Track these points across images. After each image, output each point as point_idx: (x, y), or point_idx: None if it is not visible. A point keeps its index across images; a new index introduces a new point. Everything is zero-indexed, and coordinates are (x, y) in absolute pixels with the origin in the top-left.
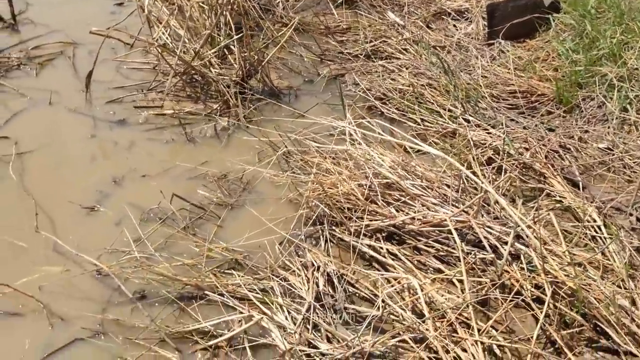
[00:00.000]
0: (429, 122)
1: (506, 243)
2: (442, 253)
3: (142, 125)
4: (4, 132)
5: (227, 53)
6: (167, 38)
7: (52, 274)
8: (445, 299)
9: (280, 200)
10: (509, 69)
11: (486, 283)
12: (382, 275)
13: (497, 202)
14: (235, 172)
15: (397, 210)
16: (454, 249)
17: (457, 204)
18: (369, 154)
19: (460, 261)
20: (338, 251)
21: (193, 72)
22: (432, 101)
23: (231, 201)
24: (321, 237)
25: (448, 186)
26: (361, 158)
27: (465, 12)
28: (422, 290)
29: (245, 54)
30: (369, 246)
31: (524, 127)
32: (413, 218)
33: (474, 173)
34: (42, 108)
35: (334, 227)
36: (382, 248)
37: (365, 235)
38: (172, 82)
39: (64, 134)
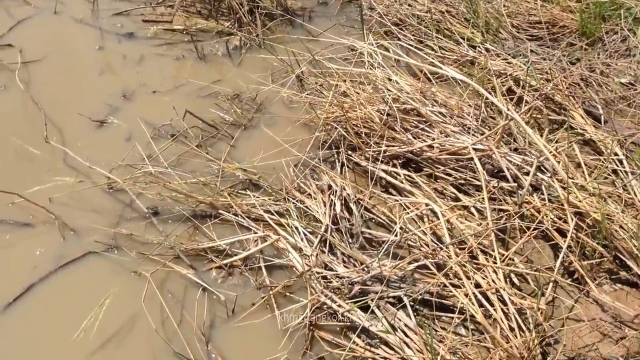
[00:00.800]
0: (446, 50)
1: (527, 174)
2: (460, 182)
3: (151, 40)
4: (8, 40)
5: None
6: None
7: (63, 185)
8: (465, 226)
9: (296, 122)
10: None
11: (508, 212)
12: (401, 200)
13: (519, 131)
14: (249, 92)
15: (414, 137)
16: (473, 178)
17: (477, 133)
18: (389, 78)
19: (479, 190)
20: (354, 176)
21: None
22: (450, 29)
23: (244, 121)
24: (337, 161)
25: (468, 114)
26: (380, 82)
27: None
28: (443, 216)
29: None
30: (386, 172)
31: (544, 59)
32: (431, 146)
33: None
34: (47, 17)
35: (350, 152)
36: (399, 175)
37: (382, 161)
38: None
39: (71, 45)
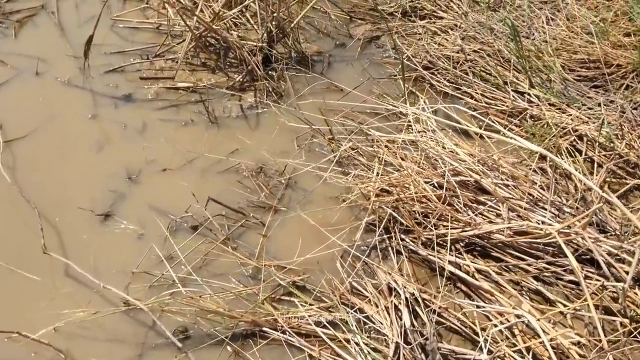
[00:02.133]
0: (489, 98)
1: (621, 260)
2: (538, 268)
3: (152, 102)
4: None
5: (244, 11)
6: None
7: (69, 316)
8: (569, 341)
9: (334, 199)
10: (575, 31)
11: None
12: (482, 308)
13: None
14: (274, 164)
15: (475, 213)
16: (552, 264)
17: (553, 207)
18: (442, 145)
19: (561, 279)
20: (412, 267)
21: (210, 36)
22: (488, 71)
23: (274, 202)
24: (390, 248)
25: (534, 182)
26: (433, 151)
27: None
28: (543, 332)
29: (275, 13)
30: (454, 264)
31: (599, 105)
32: (503, 229)
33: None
34: (27, 80)
35: (403, 236)
36: (468, 266)
37: (440, 245)
38: (188, 47)
39: (59, 115)
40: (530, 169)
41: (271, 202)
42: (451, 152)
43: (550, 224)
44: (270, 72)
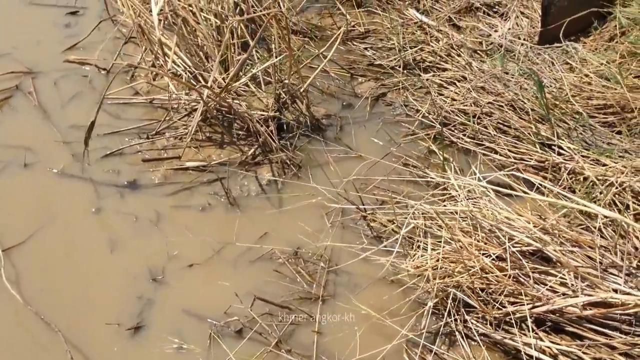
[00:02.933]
0: (515, 152)
1: None
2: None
3: (161, 187)
4: None
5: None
6: (179, 64)
7: None
8: None
9: (382, 282)
10: (587, 75)
11: None
12: None
13: None
14: (309, 245)
15: (541, 285)
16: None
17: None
18: (496, 213)
19: None
20: (481, 351)
21: (218, 108)
22: (507, 123)
23: (318, 291)
24: (456, 333)
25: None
26: (487, 220)
27: (497, 6)
28: None
29: (285, 79)
30: (535, 347)
31: (627, 151)
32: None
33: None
34: (16, 173)
35: (467, 317)
36: (550, 347)
37: (508, 323)
38: (197, 122)
39: (59, 211)
40: (585, 228)
41: (316, 291)
42: (505, 218)
43: (628, 292)
44: (282, 141)
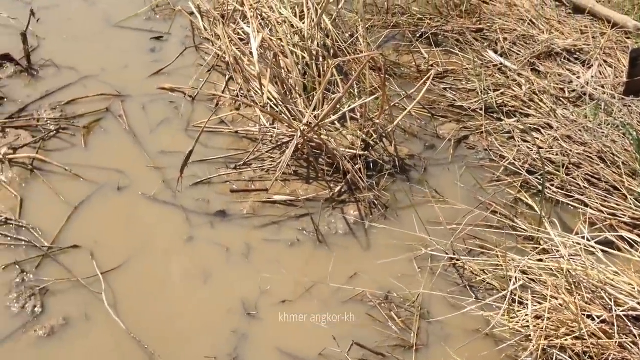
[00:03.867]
0: (607, 207)
1: None
2: None
3: (250, 219)
4: (70, 237)
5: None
6: (273, 97)
7: None
8: None
9: (477, 334)
10: None
11: None
12: None
13: None
14: (399, 289)
15: None
16: None
17: None
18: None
19: None
20: None
21: (308, 143)
22: (596, 175)
23: (412, 339)
24: None
25: None
26: (593, 281)
27: (578, 53)
28: None
29: (375, 118)
30: None
31: None
32: None
33: None
34: (110, 197)
35: None
36: None
37: None
38: (288, 158)
39: (153, 238)
40: None
41: (409, 339)
42: (610, 279)
43: None
44: (368, 180)
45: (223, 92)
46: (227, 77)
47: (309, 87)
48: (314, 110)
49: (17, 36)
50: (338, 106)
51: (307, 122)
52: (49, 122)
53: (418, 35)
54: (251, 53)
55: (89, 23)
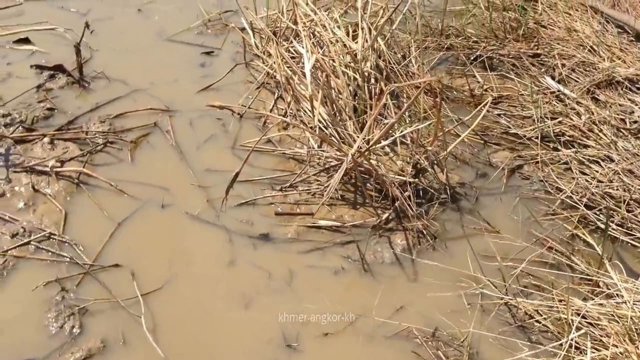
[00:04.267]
0: None
1: None
2: None
3: (294, 244)
4: (111, 255)
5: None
6: (323, 119)
7: None
8: None
9: None
10: None
11: None
12: None
13: None
14: (447, 327)
15: None
16: None
17: None
18: None
19: None
20: None
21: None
22: None
23: None
24: None
25: None
26: None
27: None
28: None
29: (426, 143)
30: None
31: None
32: None
33: None
34: (153, 214)
35: None
36: None
37: None
38: (337, 182)
39: (194, 258)
40: None
41: None
42: None
43: None
44: (417, 209)
45: (271, 111)
46: (276, 95)
47: (360, 109)
48: (363, 133)
49: (71, 47)
50: (393, 132)
51: (358, 146)
52: (97, 135)
53: (472, 59)
54: (303, 72)
55: (141, 36)
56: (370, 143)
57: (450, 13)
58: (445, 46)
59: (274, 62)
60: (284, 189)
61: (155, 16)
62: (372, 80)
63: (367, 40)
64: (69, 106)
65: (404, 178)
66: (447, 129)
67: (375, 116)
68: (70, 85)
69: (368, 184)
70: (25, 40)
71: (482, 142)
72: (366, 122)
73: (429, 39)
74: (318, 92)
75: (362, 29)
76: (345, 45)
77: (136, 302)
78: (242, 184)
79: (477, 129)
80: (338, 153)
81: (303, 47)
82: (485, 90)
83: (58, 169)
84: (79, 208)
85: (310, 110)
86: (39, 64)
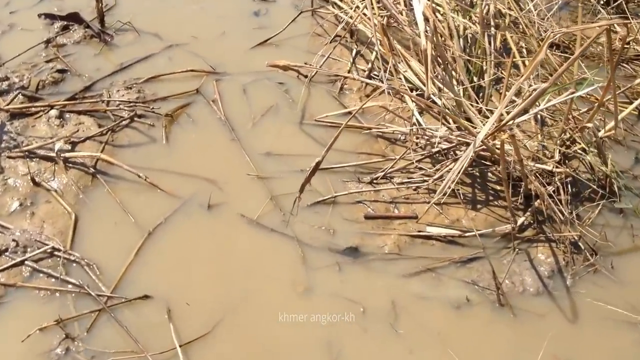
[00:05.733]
0: None
1: None
2: None
3: (394, 263)
4: (139, 281)
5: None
6: (440, 90)
7: None
8: None
9: None
10: None
11: None
12: None
13: None
14: None
15: None
16: None
17: None
18: None
19: None
20: None
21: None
22: None
23: None
24: None
25: None
26: None
27: None
28: None
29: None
30: None
31: None
32: None
33: None
34: (195, 218)
35: None
36: None
37: None
38: (457, 174)
39: (254, 287)
40: None
41: None
42: None
43: None
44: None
45: (349, 71)
46: (354, 52)
47: (474, 70)
48: (502, 104)
49: None
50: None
51: (497, 123)
52: (121, 106)
53: (603, 1)
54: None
55: None
56: (508, 117)
57: None
58: None
59: (352, 5)
60: (374, 182)
61: None
62: (493, 30)
63: None
64: (85, 67)
65: (546, 166)
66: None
67: (527, 77)
68: (88, 40)
69: (489, 175)
70: None
71: (637, 112)
72: (484, 88)
73: None
74: (428, 46)
75: None
76: None
77: (174, 356)
78: (317, 173)
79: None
80: (457, 132)
81: None
82: (627, 43)
83: (68, 154)
84: (95, 210)
85: (427, 79)
86: (49, 13)
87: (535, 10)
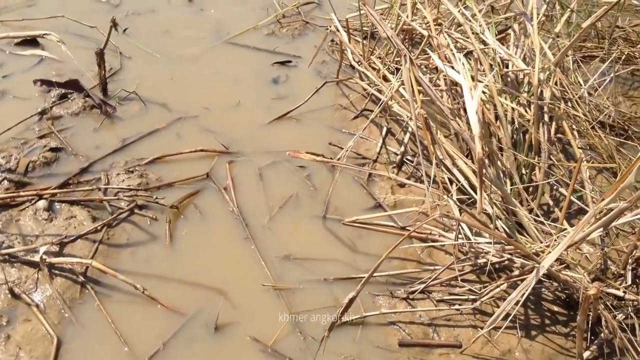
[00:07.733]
0: None
1: None
2: None
3: None
4: None
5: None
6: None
7: None
8: None
9: None
10: None
11: None
12: None
13: None
14: None
15: None
16: None
17: None
18: None
19: None
20: None
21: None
22: None
23: None
24: None
25: None
26: None
27: None
28: None
29: None
30: None
31: None
32: None
33: None
34: (200, 343)
35: None
36: None
37: None
38: (512, 302)
39: None
40: None
41: None
42: None
43: None
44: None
45: (379, 154)
46: (384, 131)
47: (522, 166)
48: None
49: (93, 53)
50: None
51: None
52: (120, 194)
53: None
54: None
55: (192, 37)
56: (576, 236)
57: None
58: (614, 56)
59: (382, 81)
60: (409, 297)
61: (211, 9)
62: (546, 118)
63: (544, 54)
64: (82, 145)
65: (617, 292)
66: None
67: (572, 186)
68: (88, 111)
69: (544, 291)
70: (32, 42)
71: None
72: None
73: (587, 44)
74: (478, 142)
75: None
76: (503, 64)
77: None
78: (339, 282)
79: None
80: (513, 251)
81: (453, 65)
82: None
83: (54, 260)
84: (82, 332)
85: (441, 162)
86: (45, 79)
87: (585, 85)
